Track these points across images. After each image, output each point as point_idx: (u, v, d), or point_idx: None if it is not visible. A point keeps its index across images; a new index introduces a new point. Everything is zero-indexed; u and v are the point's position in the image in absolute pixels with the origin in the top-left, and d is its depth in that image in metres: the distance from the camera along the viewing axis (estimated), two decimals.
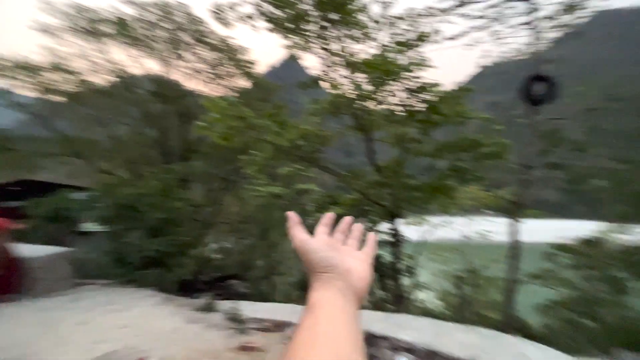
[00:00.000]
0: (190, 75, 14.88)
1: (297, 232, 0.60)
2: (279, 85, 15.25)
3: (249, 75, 14.36)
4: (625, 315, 7.93)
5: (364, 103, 7.56)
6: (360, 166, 9.55)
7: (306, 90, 8.42)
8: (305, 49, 7.77)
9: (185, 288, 8.09)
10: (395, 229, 8.92)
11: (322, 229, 0.64)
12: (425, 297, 11.76)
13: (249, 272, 13.43)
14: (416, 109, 7.87)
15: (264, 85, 14.53)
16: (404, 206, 7.46)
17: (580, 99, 7.45)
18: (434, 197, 6.99)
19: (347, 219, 0.69)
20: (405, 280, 10.45)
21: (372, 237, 0.67)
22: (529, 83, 7.57)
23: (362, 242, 0.66)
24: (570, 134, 7.49)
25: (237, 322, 4.68)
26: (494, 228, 11.29)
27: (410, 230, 12.42)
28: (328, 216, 0.67)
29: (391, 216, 8.82)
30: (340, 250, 0.60)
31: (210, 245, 15.01)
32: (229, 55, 14.06)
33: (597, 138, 7.09)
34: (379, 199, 8.08)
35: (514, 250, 7.29)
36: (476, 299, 11.12)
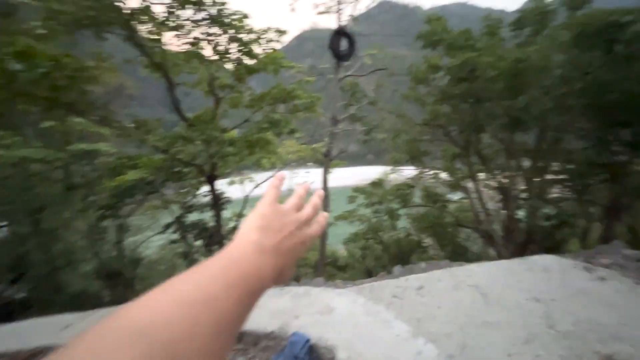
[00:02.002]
0: None
1: (270, 196, 0.49)
2: None
3: None
4: (397, 237, 10.62)
5: (153, 31, 5.61)
6: (167, 120, 7.63)
7: None
8: None
9: None
10: (214, 191, 7.91)
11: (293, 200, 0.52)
12: None
13: (28, 270, 9.19)
14: (228, 49, 6.70)
15: None
16: (220, 164, 6.46)
17: (373, 60, 8.51)
18: (251, 152, 6.37)
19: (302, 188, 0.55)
20: None
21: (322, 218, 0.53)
22: (336, 38, 7.91)
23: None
24: (365, 90, 8.58)
25: None
26: (312, 178, 12.45)
27: (235, 189, 11.93)
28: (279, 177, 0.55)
29: (208, 177, 7.69)
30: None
31: None
32: None
33: (382, 95, 8.51)
34: (191, 158, 6.70)
35: (324, 198, 8.02)
36: None
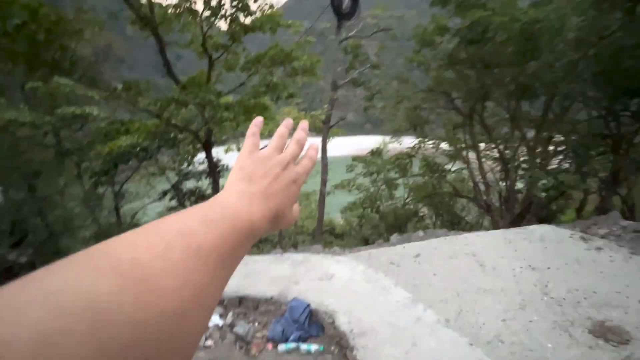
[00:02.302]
0: None
1: (247, 146, 0.46)
2: None
3: None
4: (394, 205, 10.70)
5: None
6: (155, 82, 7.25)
7: None
8: None
9: None
10: (210, 158, 7.75)
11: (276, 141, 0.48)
12: None
13: (28, 235, 9.24)
14: (222, 3, 6.20)
15: None
16: (216, 130, 6.24)
17: (377, 20, 7.98)
18: (248, 118, 6.12)
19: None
20: None
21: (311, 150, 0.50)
22: None
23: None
24: (368, 53, 8.14)
25: None
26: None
27: (233, 156, 11.74)
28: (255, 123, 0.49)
29: (204, 144, 7.50)
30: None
31: None
32: None
33: (385, 59, 8.08)
34: (186, 123, 6.47)
35: (323, 166, 7.92)
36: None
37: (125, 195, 10.79)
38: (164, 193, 9.07)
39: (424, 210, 11.75)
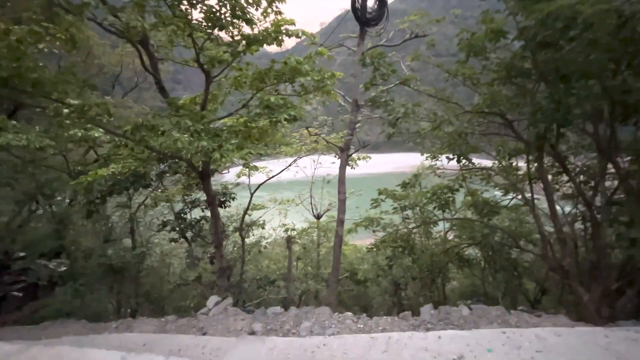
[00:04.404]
0: None
1: None
2: None
3: None
4: (432, 245, 8.73)
5: None
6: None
7: None
8: None
9: None
10: (208, 188, 6.67)
11: None
12: None
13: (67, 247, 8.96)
14: (221, 13, 5.21)
15: None
16: (204, 159, 5.11)
17: (411, 25, 6.50)
18: (242, 145, 4.94)
19: None
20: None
21: None
22: None
23: None
24: (397, 65, 6.64)
25: None
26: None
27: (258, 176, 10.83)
28: None
29: (200, 173, 6.46)
30: None
31: None
32: None
33: (420, 73, 6.55)
34: (176, 151, 5.44)
35: (340, 203, 6.47)
36: None
37: (139, 222, 10.22)
38: (164, 224, 8.19)
39: (469, 250, 9.58)
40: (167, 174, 7.79)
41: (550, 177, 7.39)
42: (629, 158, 5.48)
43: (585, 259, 6.01)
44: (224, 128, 5.06)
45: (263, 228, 11.19)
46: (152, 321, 6.05)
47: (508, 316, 4.23)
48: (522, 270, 8.89)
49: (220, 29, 4.98)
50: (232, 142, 4.89)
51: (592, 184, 6.71)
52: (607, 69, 4.61)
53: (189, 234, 8.43)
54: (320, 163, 12.93)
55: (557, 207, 6.04)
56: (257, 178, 10.63)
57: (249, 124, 5.21)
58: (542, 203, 6.66)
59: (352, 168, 8.61)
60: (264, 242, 10.40)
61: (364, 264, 11.20)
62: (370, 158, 9.36)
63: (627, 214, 5.05)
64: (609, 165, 5.04)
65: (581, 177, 6.87)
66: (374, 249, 9.06)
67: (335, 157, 7.28)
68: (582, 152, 6.72)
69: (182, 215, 8.17)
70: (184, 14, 4.68)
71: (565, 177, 7.18)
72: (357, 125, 9.36)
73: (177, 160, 6.07)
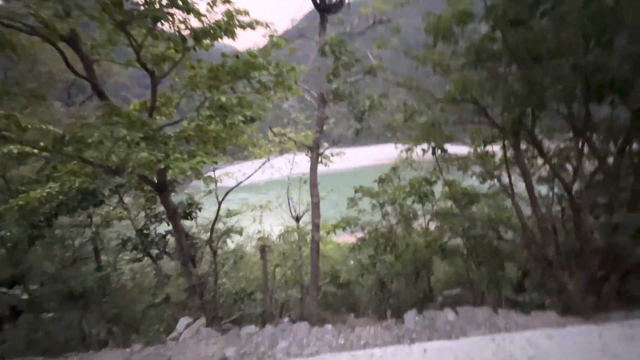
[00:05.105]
0: None
1: None
2: None
3: None
4: (413, 241, 8.50)
5: None
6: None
7: None
8: None
9: None
10: (167, 202, 6.02)
11: None
12: None
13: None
14: None
15: None
16: (151, 169, 4.47)
17: (375, 12, 6.07)
18: (191, 154, 4.35)
19: None
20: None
21: None
22: None
23: None
24: (364, 53, 6.21)
25: None
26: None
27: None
28: None
29: (156, 186, 5.80)
30: None
31: None
32: None
33: (394, 62, 6.18)
34: (113, 164, 4.75)
35: (313, 207, 6.02)
36: None
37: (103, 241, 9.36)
38: (124, 243, 7.42)
39: (452, 240, 9.42)
40: (122, 188, 7.04)
41: (526, 161, 7.27)
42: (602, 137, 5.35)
43: (564, 243, 5.88)
44: (172, 135, 4.45)
45: (240, 235, 10.58)
46: (116, 353, 5.40)
47: (496, 318, 3.94)
48: (504, 255, 8.82)
49: (155, 22, 4.34)
50: (183, 150, 4.30)
51: (568, 166, 6.60)
52: (579, 47, 4.38)
53: (154, 251, 7.72)
54: (296, 162, 12.42)
55: (535, 193, 5.85)
56: (231, 182, 10.02)
57: (202, 128, 4.63)
58: (519, 188, 6.50)
59: (325, 166, 8.18)
60: (240, 251, 9.80)
61: (349, 261, 10.86)
62: (344, 154, 8.97)
63: (606, 195, 4.90)
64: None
65: (556, 159, 6.77)
66: (356, 249, 8.71)
67: (307, 156, 6.88)
68: (556, 134, 6.59)
69: (144, 231, 7.44)
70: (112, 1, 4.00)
71: (540, 161, 7.06)
72: (331, 121, 8.93)
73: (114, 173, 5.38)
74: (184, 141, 4.47)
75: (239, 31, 5.76)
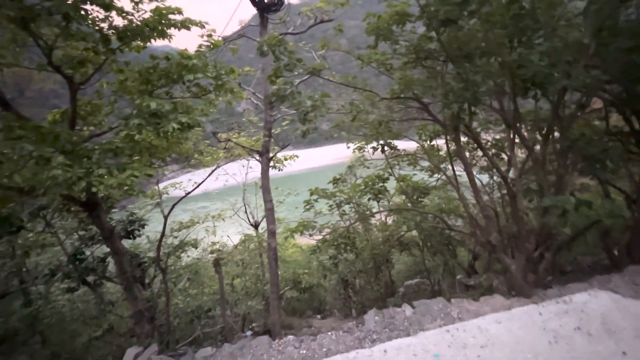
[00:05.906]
0: None
1: None
2: None
3: None
4: (371, 240, 8.60)
5: None
6: None
7: None
8: None
9: None
10: (100, 222, 5.36)
11: None
12: None
13: None
14: None
15: None
16: (68, 189, 3.83)
17: (316, 12, 6.00)
18: (128, 165, 3.88)
19: None
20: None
21: None
22: None
23: None
24: (308, 54, 6.12)
25: None
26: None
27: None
28: None
29: (84, 205, 5.13)
30: None
31: None
32: None
33: (344, 63, 6.16)
34: (31, 182, 4.06)
35: (267, 213, 5.79)
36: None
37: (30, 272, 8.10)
38: (52, 273, 6.49)
39: (408, 233, 9.76)
40: (46, 210, 6.15)
41: (467, 154, 7.75)
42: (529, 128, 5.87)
43: (505, 227, 6.33)
44: (96, 148, 3.93)
45: (195, 248, 9.93)
46: None
47: (450, 307, 4.09)
48: (456, 243, 9.35)
49: (67, 19, 3.79)
50: (111, 164, 3.81)
51: (503, 156, 7.15)
52: (505, 45, 4.72)
53: (91, 278, 6.86)
54: (251, 167, 12.01)
55: (477, 182, 6.24)
56: (182, 193, 9.34)
57: (133, 138, 4.16)
58: (464, 178, 6.90)
59: (279, 170, 7.97)
60: (195, 265, 9.17)
61: (313, 261, 10.74)
62: (297, 157, 8.82)
63: (536, 180, 5.36)
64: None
65: (493, 150, 7.31)
66: (317, 251, 8.62)
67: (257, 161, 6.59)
68: (491, 127, 7.11)
69: (77, 256, 6.57)
70: None
71: (480, 153, 7.57)
72: (284, 123, 8.71)
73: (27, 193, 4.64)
74: (112, 154, 3.97)
75: (182, 33, 5.34)
